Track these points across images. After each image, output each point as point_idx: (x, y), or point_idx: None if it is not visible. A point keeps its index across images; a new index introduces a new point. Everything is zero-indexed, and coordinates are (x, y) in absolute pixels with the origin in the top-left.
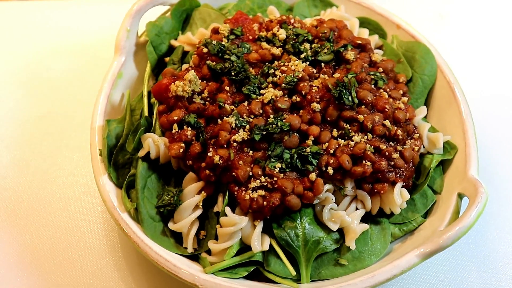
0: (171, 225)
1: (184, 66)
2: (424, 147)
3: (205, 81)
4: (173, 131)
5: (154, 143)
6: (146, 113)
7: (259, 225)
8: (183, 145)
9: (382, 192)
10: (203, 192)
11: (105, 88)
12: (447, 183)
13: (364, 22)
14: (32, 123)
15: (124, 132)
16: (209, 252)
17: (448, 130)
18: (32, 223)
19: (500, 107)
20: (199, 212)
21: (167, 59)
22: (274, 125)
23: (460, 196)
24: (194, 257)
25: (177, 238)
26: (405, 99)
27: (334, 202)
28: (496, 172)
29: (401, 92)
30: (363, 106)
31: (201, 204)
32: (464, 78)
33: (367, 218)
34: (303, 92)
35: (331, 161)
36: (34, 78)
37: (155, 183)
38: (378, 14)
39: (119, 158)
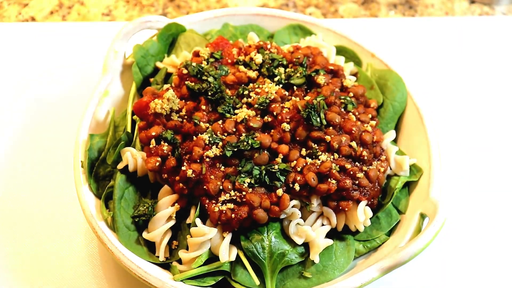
0: (145, 234)
1: (166, 86)
2: (391, 169)
3: (183, 100)
4: (151, 145)
5: (132, 156)
6: (128, 129)
7: (228, 237)
8: (159, 159)
9: (346, 209)
10: (176, 204)
11: (90, 105)
12: (411, 203)
13: (341, 50)
14: (21, 135)
15: (106, 146)
16: (180, 261)
17: (415, 154)
18: (17, 232)
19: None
20: (171, 223)
21: (152, 79)
22: (245, 143)
23: (422, 216)
24: (166, 266)
25: (151, 247)
26: (373, 122)
27: (301, 218)
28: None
29: (370, 116)
30: (331, 128)
31: (174, 215)
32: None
33: (333, 234)
34: (275, 113)
35: (298, 178)
36: (28, 94)
37: (132, 195)
38: (354, 44)
39: (100, 170)
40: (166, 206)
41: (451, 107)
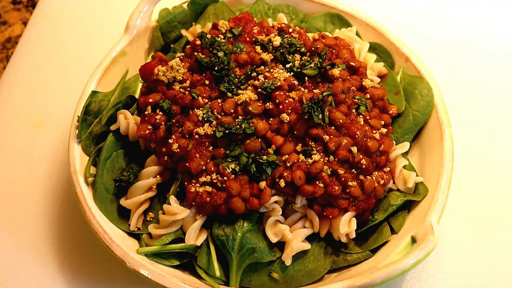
0: (122, 200)
1: (178, 55)
2: (394, 182)
3: (191, 72)
4: (146, 112)
5: (125, 119)
6: (137, 93)
7: (200, 220)
8: (150, 127)
9: (331, 216)
10: (158, 176)
11: (104, 62)
12: (407, 224)
13: (375, 48)
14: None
15: (108, 105)
16: (151, 235)
17: (425, 172)
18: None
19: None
20: (150, 194)
21: (173, 46)
22: (238, 127)
23: (413, 239)
24: (137, 237)
25: (126, 215)
26: (384, 130)
27: (283, 216)
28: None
29: (382, 122)
30: (333, 128)
31: (155, 187)
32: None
33: (315, 238)
34: (277, 101)
35: (285, 174)
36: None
37: (120, 158)
38: (391, 43)
39: (97, 129)
40: (148, 176)
41: (481, 132)
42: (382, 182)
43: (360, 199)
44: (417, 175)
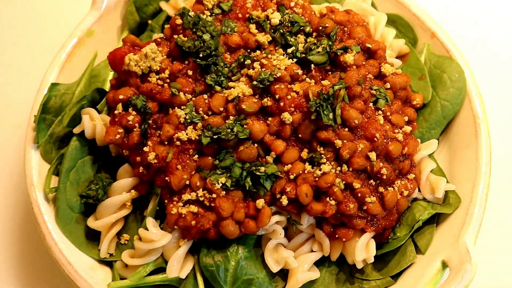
0: (90, 221)
1: (155, 36)
2: (419, 190)
3: (171, 59)
4: (116, 111)
5: (91, 120)
6: (106, 84)
7: (184, 246)
8: (122, 130)
9: (344, 239)
10: (133, 191)
11: (67, 44)
12: (435, 243)
13: (395, 21)
14: None
15: (73, 100)
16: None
17: (457, 178)
18: None
19: None
20: (124, 212)
21: (150, 22)
22: (229, 130)
23: (444, 264)
24: (111, 264)
25: (96, 238)
26: (408, 128)
27: (285, 237)
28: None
29: (406, 118)
30: (346, 129)
31: (130, 203)
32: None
33: (324, 260)
34: (277, 96)
35: (288, 189)
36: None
37: (87, 167)
38: (413, 15)
39: (59, 130)
40: (121, 190)
41: None
42: (406, 193)
43: (380, 217)
44: (447, 181)
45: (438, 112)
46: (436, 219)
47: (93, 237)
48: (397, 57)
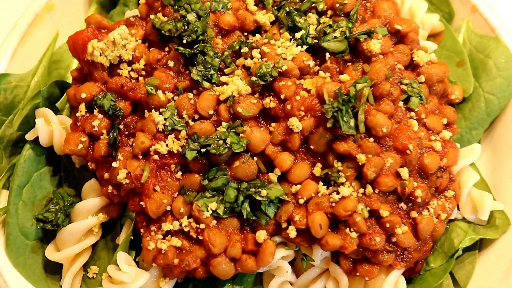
0: (48, 252)
1: (128, 14)
2: (458, 209)
3: (147, 44)
4: (79, 113)
5: (46, 125)
6: (67, 75)
7: (165, 287)
8: (85, 138)
9: (367, 278)
10: (101, 214)
11: (21, 22)
12: (478, 277)
13: None
14: None
15: (27, 94)
16: None
17: (503, 191)
18: None
19: None
20: (91, 241)
21: None
22: (221, 142)
23: None
24: None
25: (57, 271)
26: (447, 134)
27: (292, 271)
28: None
29: (444, 121)
30: (371, 139)
31: (98, 229)
32: None
33: None
34: (282, 96)
35: (297, 217)
36: None
37: (45, 181)
38: None
39: (11, 133)
40: (87, 213)
41: None
42: (443, 216)
43: (412, 249)
44: (493, 199)
45: (481, 108)
46: (478, 245)
47: (54, 269)
48: (428, 37)
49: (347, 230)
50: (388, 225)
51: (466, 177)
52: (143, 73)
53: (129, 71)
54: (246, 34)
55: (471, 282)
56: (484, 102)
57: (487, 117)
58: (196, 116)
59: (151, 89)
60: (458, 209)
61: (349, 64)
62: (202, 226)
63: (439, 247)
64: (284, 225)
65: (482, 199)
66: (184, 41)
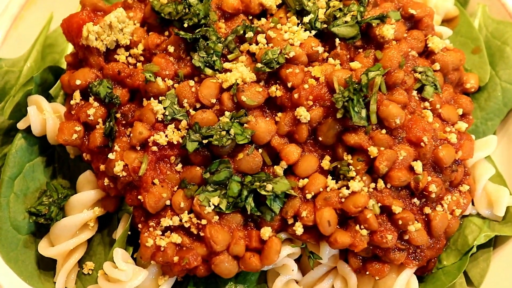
0: (41, 248)
1: None
2: (473, 204)
3: (146, 28)
4: (73, 101)
5: (39, 114)
6: (62, 61)
7: (165, 286)
8: (80, 128)
9: (377, 277)
10: (97, 207)
11: (12, 5)
12: (493, 274)
13: None
14: None
15: (20, 80)
16: None
17: None
18: None
19: None
20: (86, 236)
21: None
22: (224, 132)
23: None
24: None
25: (51, 266)
26: (463, 125)
27: (298, 268)
28: None
29: (460, 111)
30: (383, 131)
31: (93, 223)
32: None
33: None
34: (289, 84)
35: (304, 212)
36: None
37: (38, 173)
38: None
39: (2, 121)
40: (82, 206)
41: None
42: (458, 212)
43: (425, 247)
44: (510, 193)
45: (498, 97)
46: (493, 241)
47: (47, 265)
48: (442, 23)
49: (357, 227)
50: (400, 222)
51: (481, 171)
52: (142, 58)
53: (126, 57)
54: (251, 18)
55: (485, 281)
56: (500, 91)
57: (504, 107)
58: (198, 105)
59: (149, 76)
60: (473, 204)
61: (360, 50)
62: (204, 222)
63: (452, 244)
64: (290, 222)
65: (498, 194)
66: (185, 25)
